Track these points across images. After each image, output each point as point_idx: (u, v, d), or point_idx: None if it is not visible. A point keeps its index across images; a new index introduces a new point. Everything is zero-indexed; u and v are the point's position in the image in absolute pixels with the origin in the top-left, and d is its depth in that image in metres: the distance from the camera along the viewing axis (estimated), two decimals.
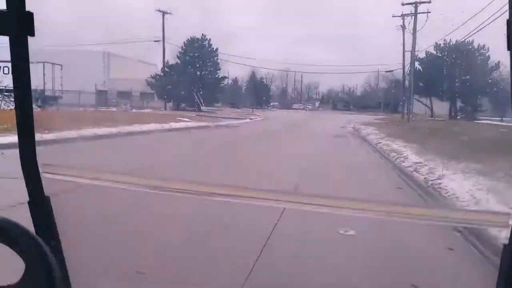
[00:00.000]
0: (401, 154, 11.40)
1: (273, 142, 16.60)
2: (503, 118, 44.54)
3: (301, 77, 70.16)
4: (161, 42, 40.69)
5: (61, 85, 30.62)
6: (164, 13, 40.59)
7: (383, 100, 58.35)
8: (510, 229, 0.83)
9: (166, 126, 18.97)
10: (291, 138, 19.06)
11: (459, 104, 46.95)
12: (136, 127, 16.99)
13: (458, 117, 45.95)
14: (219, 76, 43.98)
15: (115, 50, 43.90)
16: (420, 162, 9.51)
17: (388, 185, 8.33)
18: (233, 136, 19.41)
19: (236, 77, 58.38)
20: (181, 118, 24.64)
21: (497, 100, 47.70)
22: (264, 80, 62.03)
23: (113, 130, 15.29)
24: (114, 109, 34.44)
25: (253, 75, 58.60)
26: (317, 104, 71.67)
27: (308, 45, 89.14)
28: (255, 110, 46.26)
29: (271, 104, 67.68)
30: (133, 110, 34.63)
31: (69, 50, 36.87)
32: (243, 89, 61.28)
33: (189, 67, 41.15)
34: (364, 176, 9.26)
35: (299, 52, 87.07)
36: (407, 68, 36.89)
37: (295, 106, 70.24)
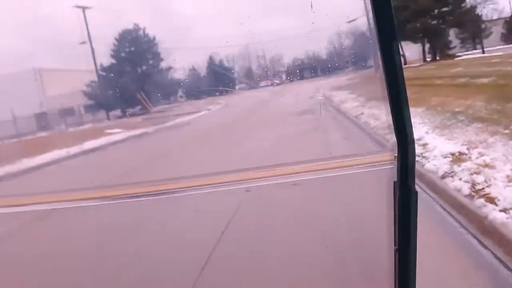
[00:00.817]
0: None
1: (209, 144, 11.66)
2: (484, 49, 40.29)
3: (263, 52, 65.38)
4: (88, 44, 34.99)
5: None
6: (84, 8, 34.75)
7: (352, 58, 53.98)
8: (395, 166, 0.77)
9: (72, 150, 13.91)
10: (241, 130, 14.20)
11: (430, 44, 42.48)
12: (22, 163, 12.00)
13: (428, 59, 41.60)
14: (163, 68, 38.62)
15: (40, 63, 38.14)
16: (463, 154, 4.34)
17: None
18: (166, 142, 14.50)
19: (193, 66, 53.74)
20: (110, 131, 19.56)
21: (466, 32, 43.38)
22: (224, 62, 57.17)
23: None
24: (44, 133, 29.11)
25: (211, 60, 53.80)
26: (283, 76, 67.12)
27: (263, 18, 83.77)
28: (218, 98, 42.05)
29: (237, 87, 62.56)
30: (70, 130, 29.89)
31: None
32: (202, 77, 56.54)
33: (127, 65, 35.61)
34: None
35: (256, 28, 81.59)
36: (371, 13, 32.28)
37: (262, 83, 65.62)
